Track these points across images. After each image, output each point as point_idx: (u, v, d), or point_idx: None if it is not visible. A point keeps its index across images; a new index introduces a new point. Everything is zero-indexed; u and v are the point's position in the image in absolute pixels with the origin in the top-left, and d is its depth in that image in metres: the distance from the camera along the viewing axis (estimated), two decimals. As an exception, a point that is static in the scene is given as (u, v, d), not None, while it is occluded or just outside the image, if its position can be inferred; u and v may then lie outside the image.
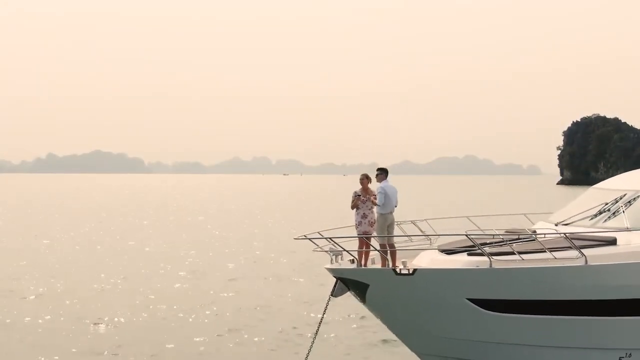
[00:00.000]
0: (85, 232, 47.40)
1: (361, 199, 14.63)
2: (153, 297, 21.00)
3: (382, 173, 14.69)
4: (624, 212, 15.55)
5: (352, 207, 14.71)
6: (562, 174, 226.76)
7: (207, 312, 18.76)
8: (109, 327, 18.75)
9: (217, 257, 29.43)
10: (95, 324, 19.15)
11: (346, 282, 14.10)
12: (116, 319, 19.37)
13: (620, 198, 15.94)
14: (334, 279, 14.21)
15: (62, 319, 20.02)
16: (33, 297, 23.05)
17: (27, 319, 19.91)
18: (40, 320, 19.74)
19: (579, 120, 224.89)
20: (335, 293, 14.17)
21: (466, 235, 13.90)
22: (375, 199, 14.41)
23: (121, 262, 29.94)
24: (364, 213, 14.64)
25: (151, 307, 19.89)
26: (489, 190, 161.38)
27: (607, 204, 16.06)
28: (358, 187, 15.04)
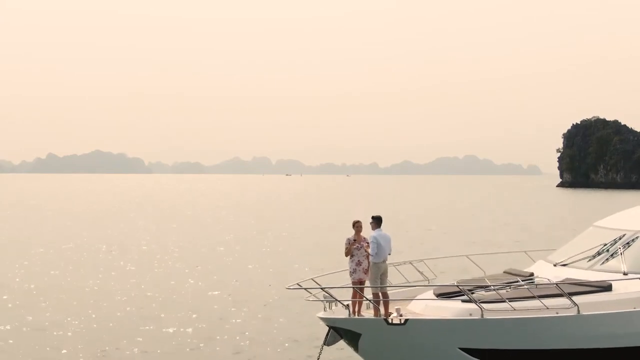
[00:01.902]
0: (79, 235, 47.47)
1: (355, 246, 14.60)
2: (122, 333, 20.88)
3: (375, 221, 14.66)
4: (621, 254, 15.52)
5: (347, 255, 14.67)
6: (561, 176, 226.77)
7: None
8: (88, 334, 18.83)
9: (210, 282, 29.34)
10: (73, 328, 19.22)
11: (339, 331, 14.09)
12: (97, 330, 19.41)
13: (620, 238, 15.90)
14: (327, 328, 14.21)
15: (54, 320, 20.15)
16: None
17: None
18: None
19: (578, 122, 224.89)
20: (327, 342, 14.15)
21: (457, 285, 13.90)
22: (368, 246, 14.39)
23: (107, 275, 29.94)
24: (358, 260, 14.61)
25: (122, 343, 19.84)
26: (488, 192, 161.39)
27: (605, 244, 16.02)
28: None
